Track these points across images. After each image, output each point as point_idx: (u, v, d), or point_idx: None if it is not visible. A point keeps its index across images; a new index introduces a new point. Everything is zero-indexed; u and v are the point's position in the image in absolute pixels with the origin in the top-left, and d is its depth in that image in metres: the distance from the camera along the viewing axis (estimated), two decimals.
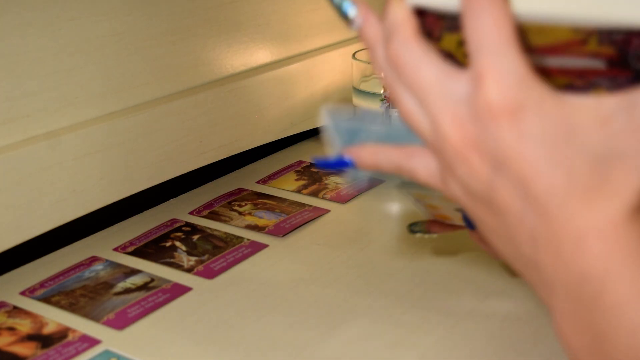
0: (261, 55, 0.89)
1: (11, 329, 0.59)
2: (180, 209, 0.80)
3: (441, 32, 0.38)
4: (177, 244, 0.73)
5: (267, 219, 0.77)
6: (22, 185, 0.65)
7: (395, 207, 0.82)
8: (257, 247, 0.72)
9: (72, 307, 0.62)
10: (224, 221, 0.77)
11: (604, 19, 0.34)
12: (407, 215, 0.80)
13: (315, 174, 0.88)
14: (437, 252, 0.71)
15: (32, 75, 0.67)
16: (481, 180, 0.37)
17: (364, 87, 0.91)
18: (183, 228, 0.76)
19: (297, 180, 0.87)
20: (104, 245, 0.72)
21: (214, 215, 0.78)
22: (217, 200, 0.82)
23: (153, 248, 0.72)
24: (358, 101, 0.92)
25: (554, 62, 0.36)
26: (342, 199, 0.82)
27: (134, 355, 0.56)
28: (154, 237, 0.74)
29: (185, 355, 0.57)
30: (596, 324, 0.35)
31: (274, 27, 0.90)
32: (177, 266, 0.69)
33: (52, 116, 0.69)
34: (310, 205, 0.80)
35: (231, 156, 0.87)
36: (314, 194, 0.83)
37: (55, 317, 0.61)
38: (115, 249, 0.72)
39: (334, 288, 0.65)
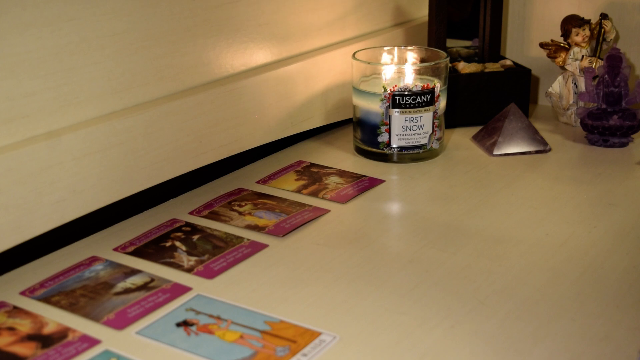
0: (261, 55, 0.89)
1: (11, 329, 0.59)
2: (180, 209, 0.80)
3: None
4: (177, 244, 0.73)
5: (267, 219, 0.77)
6: (22, 185, 0.65)
7: (395, 207, 0.82)
8: (257, 247, 0.72)
9: (72, 307, 0.62)
10: (224, 221, 0.77)
11: None
12: (407, 215, 0.80)
13: (316, 174, 0.88)
14: (437, 251, 0.71)
15: (32, 75, 0.67)
16: None
17: (363, 87, 0.91)
18: (183, 228, 0.76)
19: (297, 180, 0.87)
20: (104, 245, 0.72)
21: (214, 215, 0.78)
22: (217, 200, 0.82)
23: (153, 248, 0.72)
24: (358, 101, 0.92)
25: None
26: (342, 199, 0.82)
27: (134, 355, 0.57)
28: (154, 237, 0.74)
29: (185, 355, 0.57)
30: None
31: (274, 27, 0.90)
32: (177, 266, 0.69)
33: (52, 116, 0.69)
34: (310, 205, 0.80)
35: (231, 156, 0.87)
36: (314, 194, 0.83)
37: (55, 317, 0.61)
38: (115, 249, 0.72)
39: (334, 288, 0.65)
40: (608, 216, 0.77)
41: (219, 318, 0.60)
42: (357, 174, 0.88)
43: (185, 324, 0.60)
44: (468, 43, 1.16)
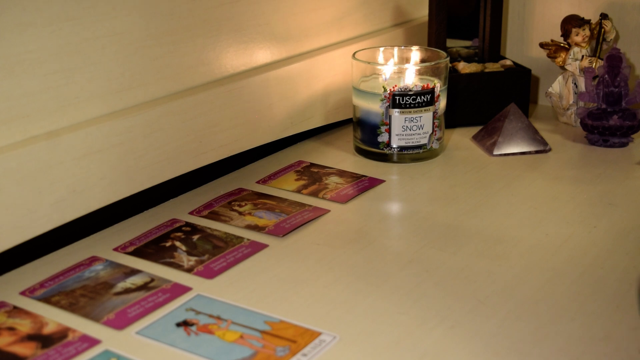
0: (261, 55, 0.89)
1: (11, 329, 0.59)
2: (180, 209, 0.80)
3: None
4: (177, 244, 0.73)
5: (267, 219, 0.77)
6: (22, 185, 0.65)
7: (395, 207, 0.82)
8: (257, 247, 0.72)
9: (72, 307, 0.62)
10: (224, 221, 0.77)
11: None
12: (407, 215, 0.80)
13: (316, 174, 0.88)
14: (437, 251, 0.71)
15: (32, 75, 0.67)
16: None
17: (364, 87, 0.91)
18: (183, 228, 0.76)
19: (297, 180, 0.87)
20: (104, 245, 0.72)
21: (214, 215, 0.78)
22: (217, 200, 0.82)
23: (153, 248, 0.72)
24: (358, 101, 0.92)
25: None
26: (342, 199, 0.82)
27: (134, 355, 0.56)
28: (154, 237, 0.74)
29: (185, 355, 0.57)
30: None
31: (274, 27, 0.90)
32: (177, 266, 0.69)
33: (52, 116, 0.69)
34: (310, 205, 0.80)
35: (231, 156, 0.87)
36: (314, 194, 0.83)
37: (55, 317, 0.61)
38: (115, 249, 0.72)
39: (334, 288, 0.65)
40: (608, 216, 0.77)
41: (219, 318, 0.60)
42: (357, 174, 0.88)
43: (185, 324, 0.60)
44: (468, 43, 1.16)
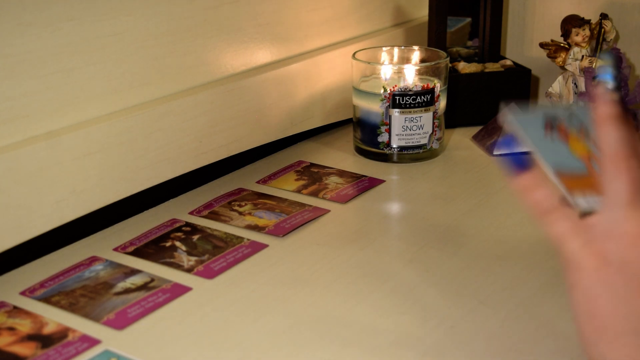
0: (261, 55, 0.89)
1: (11, 329, 0.59)
2: (180, 209, 0.80)
3: None
4: (177, 244, 0.73)
5: (267, 219, 0.77)
6: (22, 185, 0.65)
7: (395, 207, 0.82)
8: (257, 247, 0.72)
9: (72, 307, 0.62)
10: (224, 221, 0.77)
11: None
12: (407, 215, 0.80)
13: (315, 174, 0.88)
14: (437, 251, 0.71)
15: (32, 75, 0.67)
16: None
17: (364, 87, 0.91)
18: (183, 228, 0.76)
19: (297, 180, 0.87)
20: (104, 245, 0.72)
21: (214, 215, 0.78)
22: (217, 200, 0.82)
23: (153, 248, 0.72)
24: (358, 101, 0.92)
25: None
26: (342, 199, 0.82)
27: (134, 355, 0.57)
28: (154, 237, 0.74)
29: (185, 355, 0.57)
30: None
31: (274, 27, 0.90)
32: (177, 266, 0.69)
33: (52, 116, 0.69)
34: (310, 205, 0.80)
35: (231, 156, 0.87)
36: (314, 194, 0.83)
37: (55, 317, 0.61)
38: (115, 249, 0.72)
39: (334, 288, 0.65)
40: None
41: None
42: (357, 174, 0.88)
43: (551, 125, 0.54)
44: (468, 43, 1.16)
